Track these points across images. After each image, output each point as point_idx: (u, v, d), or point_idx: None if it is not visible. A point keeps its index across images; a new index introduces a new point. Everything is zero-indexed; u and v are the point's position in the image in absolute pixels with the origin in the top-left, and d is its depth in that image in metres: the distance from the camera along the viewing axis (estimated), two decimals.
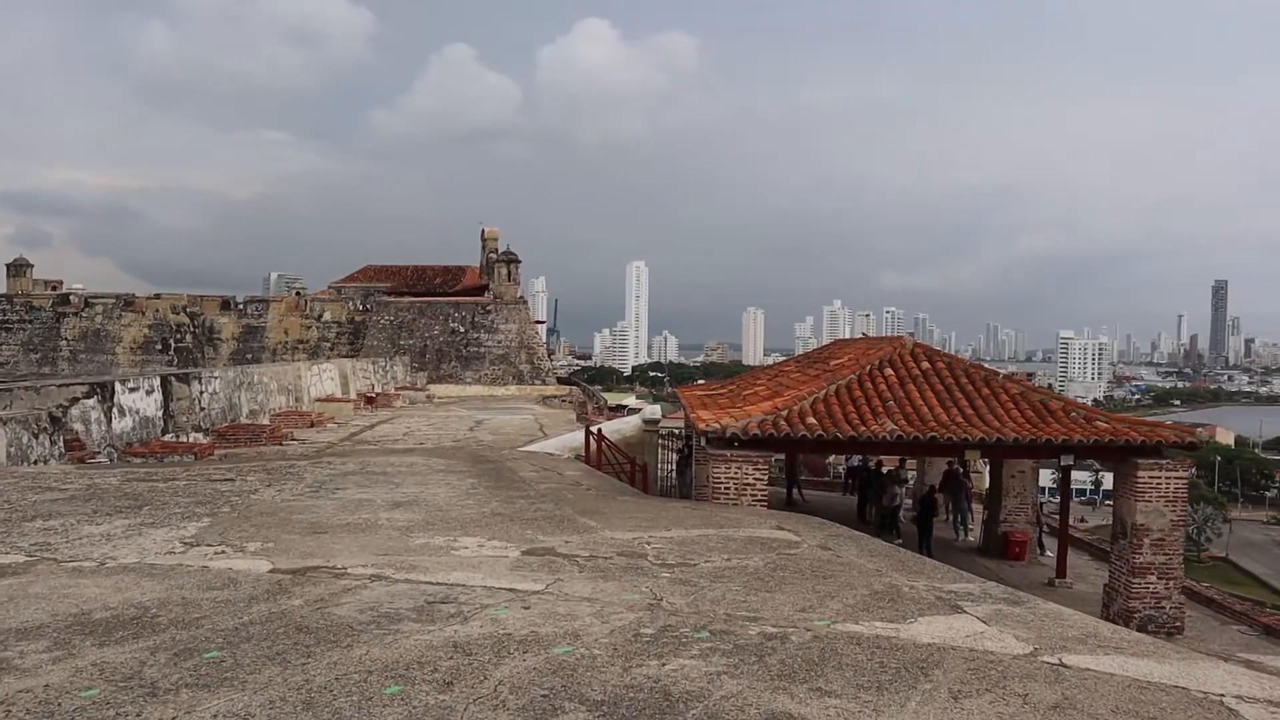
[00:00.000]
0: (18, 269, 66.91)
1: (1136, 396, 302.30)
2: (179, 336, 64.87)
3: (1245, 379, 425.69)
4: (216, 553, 9.16)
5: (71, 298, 65.80)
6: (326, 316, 64.22)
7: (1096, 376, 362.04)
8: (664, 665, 5.90)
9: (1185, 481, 17.95)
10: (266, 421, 29.83)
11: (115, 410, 21.44)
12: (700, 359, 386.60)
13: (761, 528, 11.62)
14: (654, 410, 30.86)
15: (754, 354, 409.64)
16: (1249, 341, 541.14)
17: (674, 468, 29.17)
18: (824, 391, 19.39)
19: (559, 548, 9.67)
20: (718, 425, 17.35)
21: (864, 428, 17.80)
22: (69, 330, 64.91)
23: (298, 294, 69.72)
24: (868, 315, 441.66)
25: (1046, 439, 17.72)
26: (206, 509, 11.68)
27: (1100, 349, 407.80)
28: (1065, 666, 6.27)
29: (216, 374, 27.67)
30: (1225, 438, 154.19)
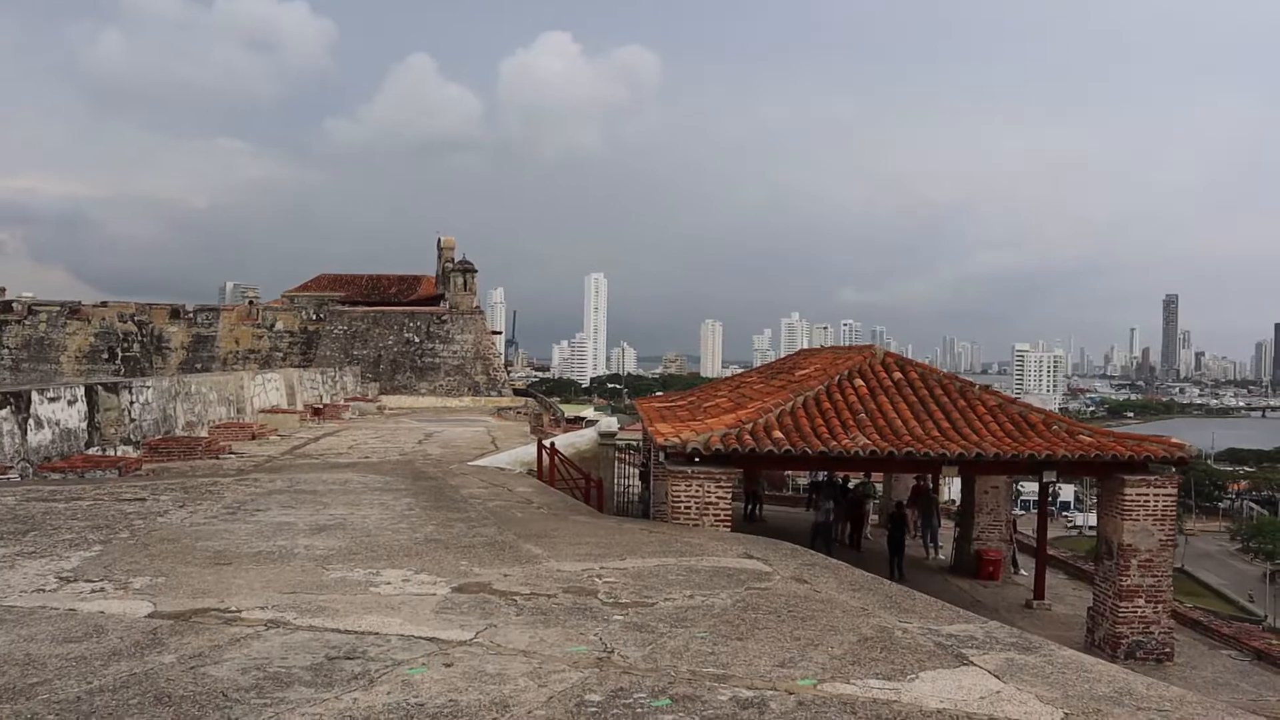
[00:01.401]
0: None
1: (1091, 409, 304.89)
2: (126, 345, 62.72)
3: (1196, 392, 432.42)
4: (93, 590, 7.80)
5: (15, 305, 63.44)
6: (279, 326, 62.35)
7: (1052, 389, 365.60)
8: None
9: (1174, 499, 16.97)
10: (204, 434, 28.24)
11: (31, 422, 19.83)
12: (658, 371, 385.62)
13: (727, 556, 10.41)
14: (610, 422, 29.51)
15: (712, 366, 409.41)
16: (1199, 355, 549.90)
17: (636, 484, 27.97)
18: (790, 404, 18.23)
19: (496, 582, 8.39)
20: (677, 439, 16.10)
21: (834, 442, 16.63)
22: (10, 338, 62.47)
23: (250, 303, 67.75)
24: (825, 328, 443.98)
25: (1030, 454, 16.63)
26: (101, 535, 10.28)
27: (1055, 362, 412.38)
28: None
29: (149, 383, 26.04)
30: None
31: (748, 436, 16.47)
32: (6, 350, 62.50)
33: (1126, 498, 16.73)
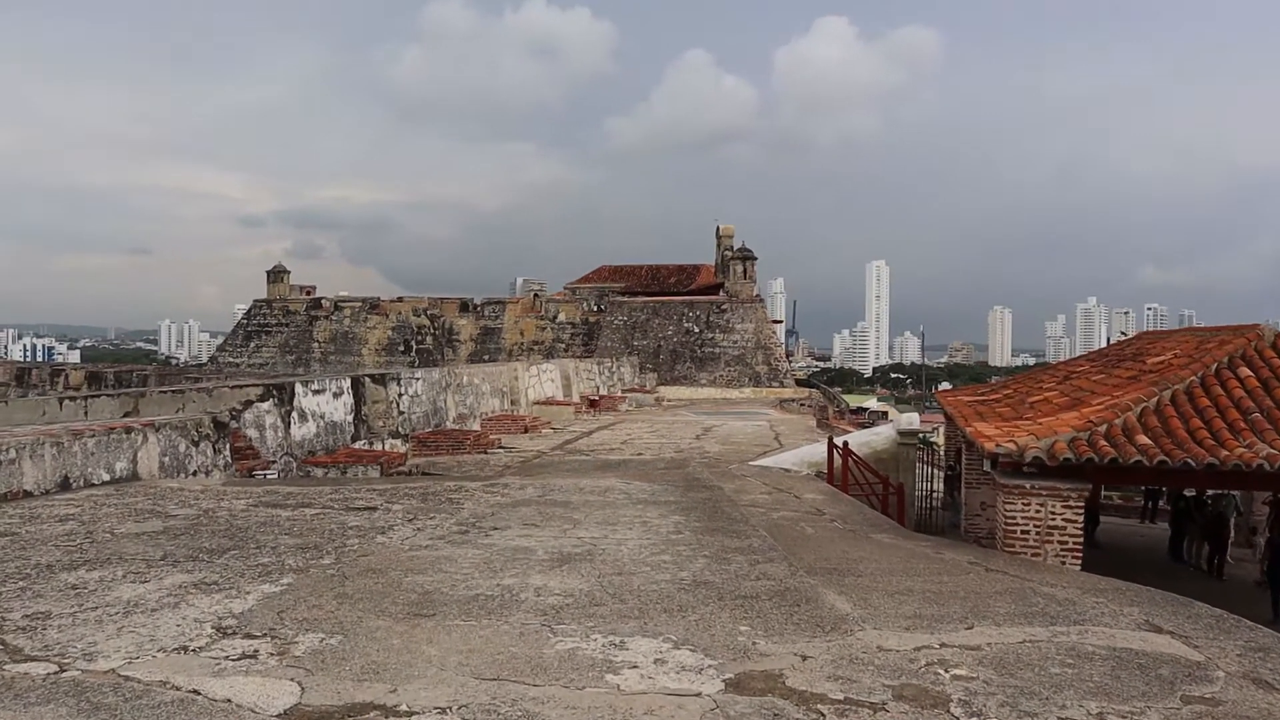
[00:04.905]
0: (276, 275, 69.67)
1: None
2: (420, 338, 65.23)
3: None
4: (243, 656, 5.74)
5: (323, 302, 67.54)
6: (561, 317, 62.81)
7: None
8: None
9: None
10: (476, 426, 27.35)
11: (295, 415, 19.08)
12: (944, 360, 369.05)
13: (1120, 624, 7.16)
14: (912, 419, 25.97)
15: (1001, 355, 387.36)
16: None
17: (939, 490, 24.50)
18: (1154, 399, 14.36)
19: (790, 673, 5.64)
20: (1012, 445, 12.74)
21: (1224, 451, 12.71)
22: (320, 333, 66.57)
23: (534, 296, 68.88)
24: (1126, 313, 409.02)
25: None
26: (302, 560, 8.43)
27: None
28: None
29: (418, 375, 25.25)
30: None
31: (1103, 442, 12.84)
32: (316, 344, 66.52)
33: None
